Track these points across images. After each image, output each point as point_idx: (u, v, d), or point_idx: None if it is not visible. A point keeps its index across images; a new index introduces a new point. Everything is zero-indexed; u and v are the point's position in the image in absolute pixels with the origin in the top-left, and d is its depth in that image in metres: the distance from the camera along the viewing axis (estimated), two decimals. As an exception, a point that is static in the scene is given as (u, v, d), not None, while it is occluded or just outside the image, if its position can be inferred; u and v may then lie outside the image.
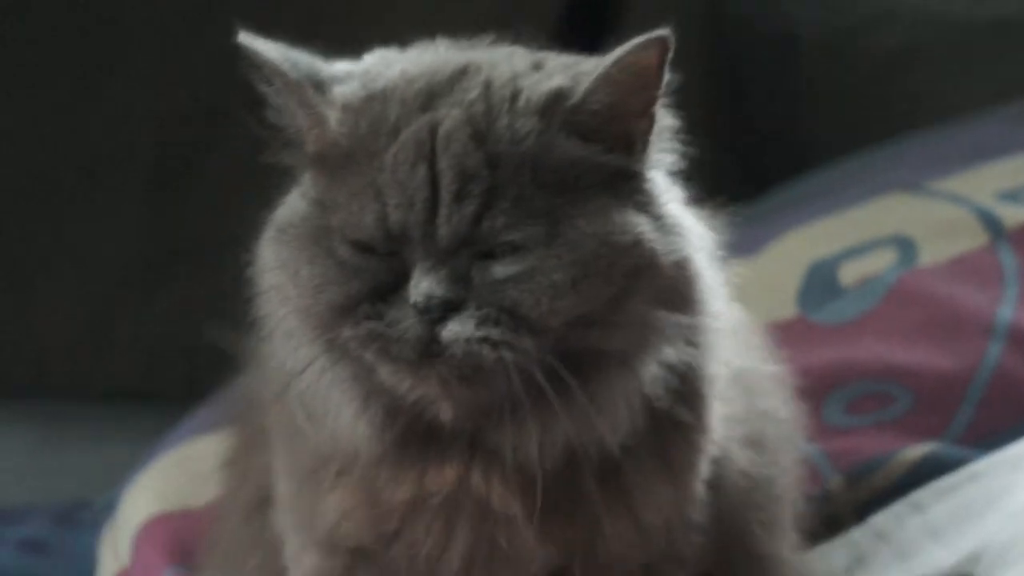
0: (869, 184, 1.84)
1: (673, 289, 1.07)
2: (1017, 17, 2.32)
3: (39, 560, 1.88)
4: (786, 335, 1.44)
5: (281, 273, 1.08)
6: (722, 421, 1.19)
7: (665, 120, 1.08)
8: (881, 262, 1.68)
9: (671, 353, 1.09)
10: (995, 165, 1.79)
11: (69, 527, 1.96)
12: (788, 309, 1.63)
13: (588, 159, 1.04)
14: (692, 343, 1.12)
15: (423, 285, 1.02)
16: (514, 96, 1.05)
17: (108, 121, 2.29)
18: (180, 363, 2.23)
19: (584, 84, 1.03)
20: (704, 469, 1.17)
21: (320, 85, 1.07)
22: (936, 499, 1.44)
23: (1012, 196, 1.72)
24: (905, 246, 1.69)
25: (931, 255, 1.67)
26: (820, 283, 1.68)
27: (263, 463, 1.22)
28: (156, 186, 2.24)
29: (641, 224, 1.06)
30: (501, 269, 1.03)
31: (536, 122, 1.04)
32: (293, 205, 1.09)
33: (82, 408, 2.26)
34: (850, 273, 1.68)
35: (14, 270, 2.31)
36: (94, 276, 2.23)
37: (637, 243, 1.05)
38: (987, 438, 1.50)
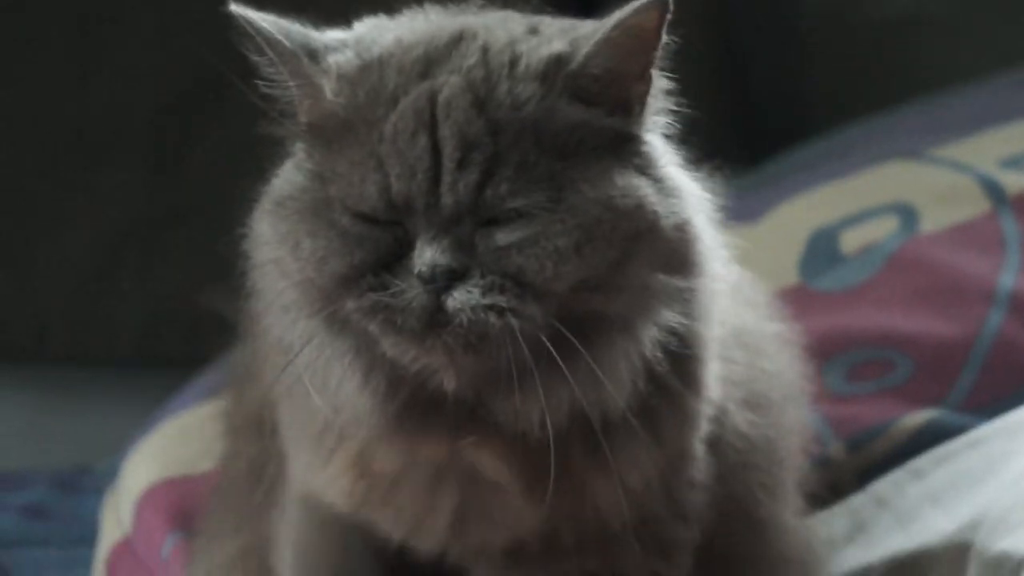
0: (871, 151, 1.84)
1: (673, 252, 1.06)
2: None
3: (40, 525, 1.89)
4: (787, 302, 1.44)
5: (280, 247, 1.07)
6: (721, 381, 1.19)
7: (660, 82, 1.07)
8: (882, 229, 1.68)
9: (670, 316, 1.09)
10: (998, 132, 1.80)
11: (70, 493, 1.96)
12: (789, 277, 1.63)
13: (589, 123, 1.04)
14: (688, 306, 1.11)
15: (427, 254, 1.02)
16: (513, 62, 1.05)
17: (108, 88, 2.29)
18: (181, 329, 2.22)
19: (584, 48, 1.03)
20: (701, 428, 1.17)
21: (314, 54, 1.07)
22: (936, 466, 1.44)
23: (1015, 163, 1.72)
24: (906, 213, 1.69)
25: (932, 222, 1.67)
26: (821, 251, 1.68)
27: (255, 437, 1.23)
28: (156, 152, 2.24)
29: (643, 187, 1.05)
30: (505, 236, 1.03)
31: (537, 87, 1.04)
32: (289, 177, 1.09)
33: (83, 374, 2.26)
34: (851, 241, 1.68)
35: (14, 236, 2.31)
36: (94, 242, 2.22)
37: (639, 206, 1.04)
38: (988, 405, 1.51)
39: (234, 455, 1.31)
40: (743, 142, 2.12)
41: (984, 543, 1.28)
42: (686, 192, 1.08)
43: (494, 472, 1.09)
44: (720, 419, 1.20)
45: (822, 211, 1.73)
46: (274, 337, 1.14)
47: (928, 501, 1.41)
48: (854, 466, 1.49)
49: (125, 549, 1.61)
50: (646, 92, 1.07)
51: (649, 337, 1.08)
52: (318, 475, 1.15)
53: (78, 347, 2.28)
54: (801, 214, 1.74)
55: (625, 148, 1.07)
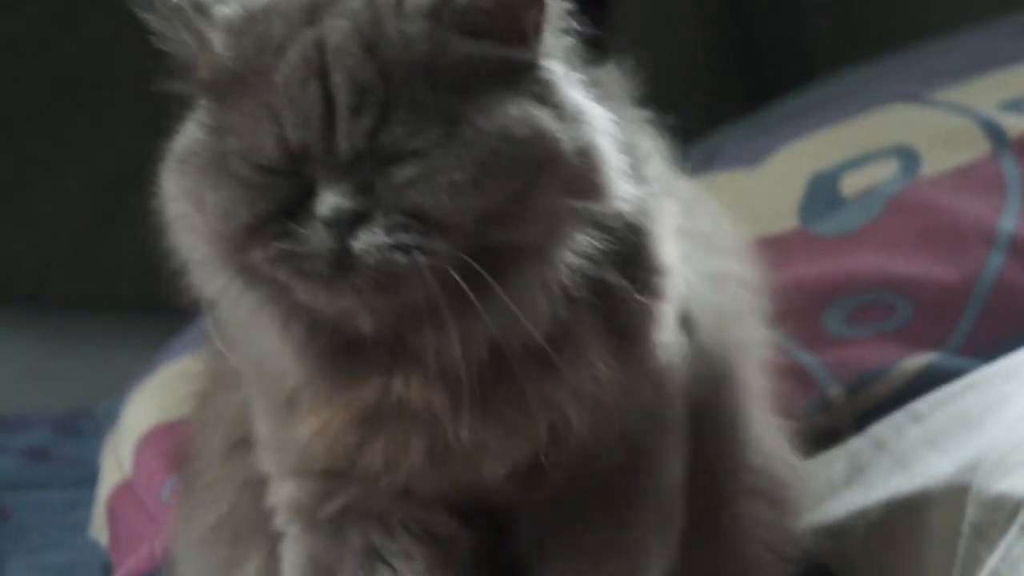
0: (871, 95, 1.84)
1: (579, 177, 1.07)
2: None
3: (41, 468, 1.91)
4: (787, 247, 1.45)
5: (186, 203, 1.08)
6: (684, 289, 1.19)
7: (557, 5, 1.07)
8: (883, 173, 1.68)
9: (586, 240, 1.08)
10: (999, 75, 1.79)
11: (71, 435, 1.98)
12: (789, 221, 1.64)
13: (481, 55, 1.04)
14: (622, 218, 1.11)
15: (329, 199, 1.02)
16: (399, 1, 1.05)
17: (104, 30, 2.26)
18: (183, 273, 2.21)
19: None
20: (666, 335, 1.16)
21: (200, 7, 1.07)
22: (935, 409, 1.44)
23: (1015, 106, 1.72)
24: (907, 157, 1.69)
25: (933, 165, 1.67)
26: (821, 194, 1.68)
27: (236, 401, 1.24)
28: (155, 95, 2.23)
29: (541, 115, 1.06)
30: (401, 173, 1.03)
31: (425, 25, 1.03)
32: (190, 134, 1.09)
33: (84, 318, 2.27)
34: (851, 184, 1.68)
35: (14, 181, 2.30)
36: (94, 186, 2.22)
37: (538, 135, 1.05)
38: (987, 348, 1.52)
39: (215, 424, 1.30)
40: (744, 88, 2.11)
41: (982, 485, 1.28)
42: (588, 115, 1.08)
43: (429, 406, 1.10)
44: (687, 329, 1.21)
45: (822, 155, 1.73)
46: (196, 292, 1.14)
47: (927, 444, 1.41)
48: (853, 409, 1.50)
49: (125, 491, 1.62)
50: (540, 17, 1.06)
51: (566, 263, 1.08)
52: (289, 433, 1.15)
53: (78, 291, 2.29)
54: (801, 158, 1.74)
55: (522, 77, 1.07)
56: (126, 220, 2.24)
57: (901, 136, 1.72)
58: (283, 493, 1.18)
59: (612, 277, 1.11)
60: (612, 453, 1.17)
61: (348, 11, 1.05)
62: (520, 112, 1.05)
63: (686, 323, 1.21)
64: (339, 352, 1.10)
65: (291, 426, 1.14)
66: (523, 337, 1.08)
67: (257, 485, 1.22)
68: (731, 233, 1.32)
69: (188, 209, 1.08)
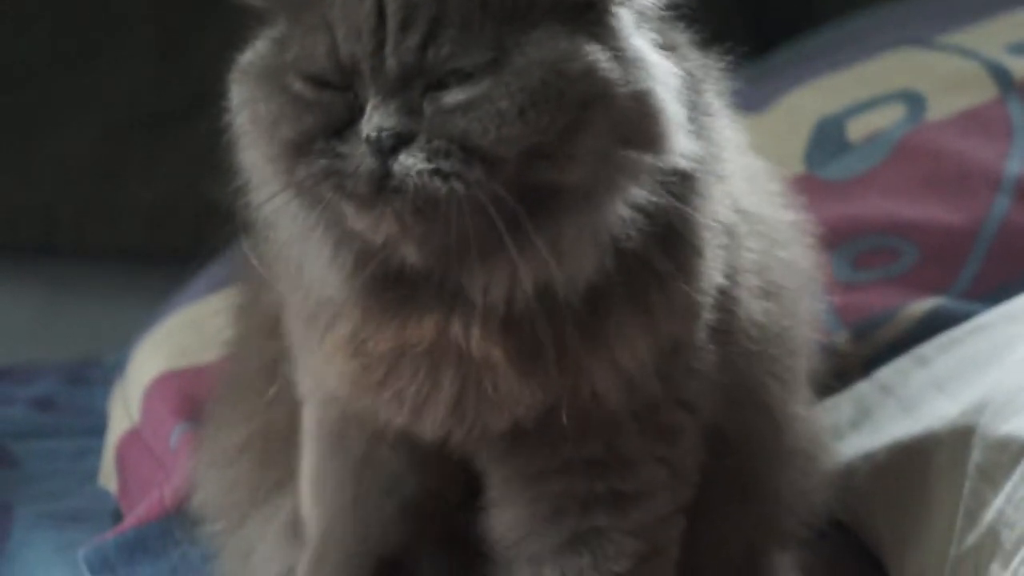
0: (878, 40, 1.84)
1: (631, 123, 1.06)
2: None
3: (50, 417, 1.91)
4: (793, 191, 1.45)
5: (244, 113, 1.09)
6: (734, 269, 1.18)
7: None
8: (889, 117, 1.69)
9: (641, 194, 1.08)
10: (1005, 17, 1.79)
11: (79, 385, 1.99)
12: (795, 165, 1.63)
13: None
14: (673, 188, 1.10)
15: (375, 119, 1.03)
16: None
17: None
18: (188, 221, 2.13)
19: None
20: (699, 316, 1.16)
21: None
22: (941, 352, 1.45)
23: (1022, 48, 1.72)
24: (913, 101, 1.69)
25: (939, 109, 1.68)
26: (828, 139, 1.69)
27: (270, 337, 1.24)
28: (162, 42, 2.22)
29: (595, 53, 1.04)
30: (450, 98, 1.03)
31: None
32: (258, 47, 1.10)
33: (91, 267, 2.27)
34: (858, 128, 1.68)
35: (19, 128, 2.28)
36: (102, 134, 2.21)
37: (588, 71, 1.04)
38: (993, 292, 1.53)
39: (248, 352, 1.32)
40: (750, 31, 2.11)
41: (988, 426, 1.29)
42: (649, 64, 1.07)
43: (481, 350, 1.10)
44: (730, 307, 1.19)
45: (828, 99, 1.73)
46: (257, 206, 1.14)
47: (933, 387, 1.42)
48: (860, 354, 1.51)
49: (134, 439, 1.63)
50: None
51: (617, 214, 1.07)
52: (315, 360, 1.16)
53: (86, 240, 2.28)
54: (807, 103, 1.74)
55: (584, 16, 1.05)
56: (133, 169, 2.27)
57: (907, 80, 1.72)
58: (310, 414, 1.20)
59: (658, 260, 1.10)
60: (622, 410, 1.16)
61: None
62: (572, 47, 1.04)
63: (724, 335, 1.19)
64: (387, 286, 1.09)
65: (324, 352, 1.14)
66: (565, 285, 1.08)
67: (288, 404, 1.23)
68: (785, 213, 1.30)
69: (245, 120, 1.09)
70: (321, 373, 1.16)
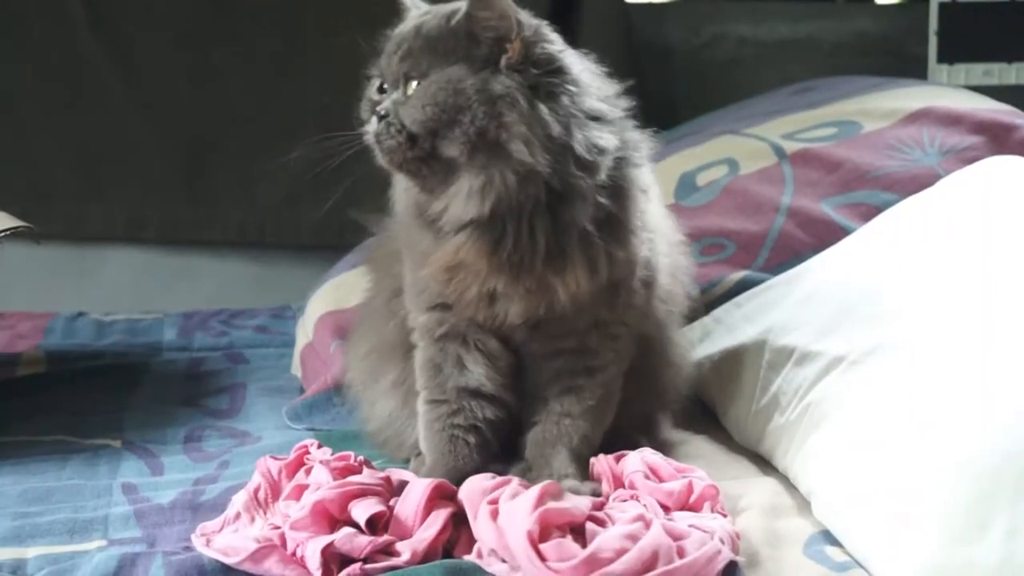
0: (712, 130, 1.83)
1: (489, 116, 1.03)
2: (793, 38, 2.32)
3: (265, 336, 1.90)
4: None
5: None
6: (653, 256, 1.18)
7: (532, 50, 1.05)
8: (719, 172, 1.68)
9: (591, 197, 1.05)
10: (781, 119, 1.78)
11: (280, 319, 1.97)
12: (669, 199, 1.63)
13: (459, 46, 1.05)
14: (611, 195, 1.07)
15: (384, 104, 1.07)
16: (444, 13, 1.09)
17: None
18: (338, 231, 2.02)
19: (464, 9, 1.06)
20: (634, 269, 1.13)
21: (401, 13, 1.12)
22: (748, 300, 1.46)
23: (790, 136, 1.72)
24: (732, 164, 1.70)
25: (746, 168, 1.67)
26: (686, 185, 1.68)
27: (395, 271, 1.22)
28: None
29: (467, 80, 1.03)
30: (400, 98, 1.06)
31: (441, 22, 1.07)
32: (368, 85, 1.12)
33: (288, 253, 2.20)
34: (703, 178, 1.69)
35: (235, 149, 2.10)
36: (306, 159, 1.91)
37: (461, 89, 1.03)
38: (775, 268, 1.53)
39: (374, 296, 1.30)
40: (642, 124, 2.09)
41: (774, 340, 1.33)
42: (503, 91, 1.03)
43: (476, 264, 1.08)
44: (654, 276, 1.19)
45: (686, 162, 1.72)
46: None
47: (743, 319, 1.43)
48: (704, 302, 1.50)
49: (310, 349, 1.63)
50: (500, 45, 1.03)
51: (495, 182, 1.03)
52: (417, 287, 1.14)
53: (284, 238, 2.19)
54: (675, 164, 1.72)
55: (486, 65, 1.04)
56: (311, 200, 2.08)
57: (729, 152, 1.72)
58: (417, 320, 1.18)
59: (595, 231, 1.08)
60: (586, 322, 1.14)
61: (419, 15, 1.09)
62: (459, 77, 1.03)
63: (654, 269, 1.19)
64: (427, 223, 1.09)
65: (418, 273, 1.13)
66: (454, 219, 1.05)
67: (400, 321, 1.20)
68: (674, 230, 1.29)
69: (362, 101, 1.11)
70: (421, 288, 1.14)
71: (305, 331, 1.67)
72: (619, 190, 1.11)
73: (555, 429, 1.15)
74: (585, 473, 1.16)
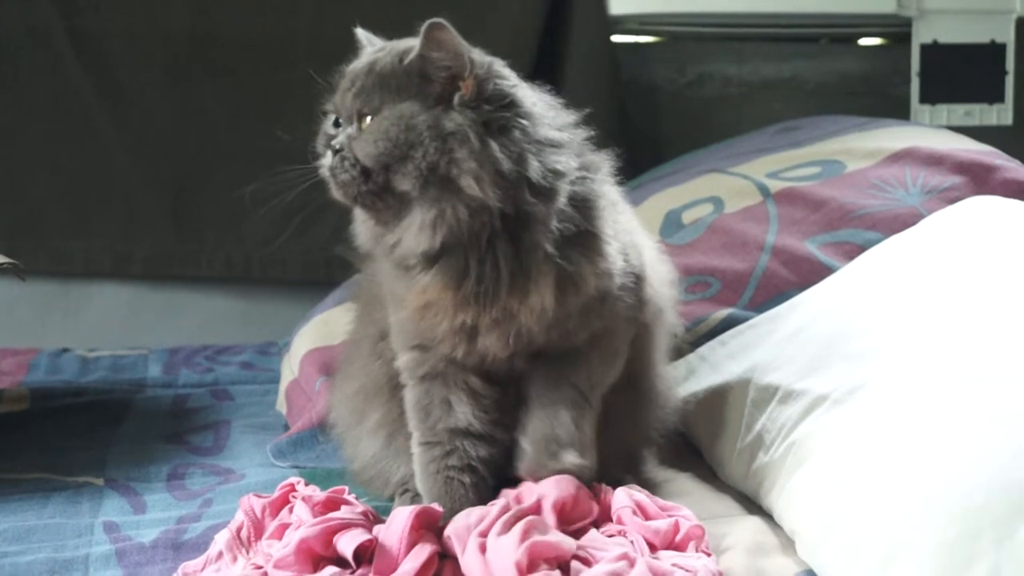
0: (697, 168, 1.83)
1: (441, 152, 1.03)
2: (778, 78, 2.33)
3: (250, 373, 1.91)
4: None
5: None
6: (640, 268, 1.16)
7: (483, 88, 1.05)
8: (704, 211, 1.69)
9: (561, 213, 1.05)
10: (765, 158, 1.78)
11: (266, 356, 1.98)
12: (655, 236, 1.56)
13: (410, 83, 1.05)
14: (580, 211, 1.06)
15: (338, 138, 1.08)
16: (396, 51, 1.08)
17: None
18: (325, 267, 2.08)
19: (416, 49, 1.06)
20: (613, 278, 1.11)
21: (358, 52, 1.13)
22: (733, 337, 1.47)
23: (774, 175, 1.72)
24: (717, 202, 1.70)
25: (731, 207, 1.67)
26: (672, 222, 1.69)
27: (378, 316, 1.22)
28: None
29: (419, 116, 1.03)
30: (354, 133, 1.06)
31: (394, 59, 1.07)
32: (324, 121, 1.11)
33: (274, 289, 2.20)
34: (688, 216, 1.69)
35: (221, 184, 2.05)
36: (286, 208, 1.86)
37: (412, 126, 1.03)
38: (760, 306, 1.54)
39: (359, 336, 1.30)
40: (628, 166, 2.10)
41: (758, 379, 1.33)
42: (454, 128, 1.03)
43: (440, 299, 1.07)
44: (643, 288, 1.17)
45: (672, 201, 1.73)
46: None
47: (728, 357, 1.44)
48: (689, 339, 1.51)
49: (295, 386, 1.64)
50: (453, 83, 1.03)
51: (443, 209, 1.03)
52: (399, 329, 1.14)
53: (270, 274, 2.18)
54: (661, 203, 1.73)
55: (436, 102, 1.05)
56: (296, 243, 2.03)
57: (713, 191, 1.72)
58: (401, 361, 1.17)
59: (565, 249, 1.07)
60: (561, 341, 1.12)
61: (373, 52, 1.09)
62: (408, 113, 1.04)
63: (642, 281, 1.17)
64: (397, 263, 1.09)
65: (399, 315, 1.13)
66: (408, 251, 1.04)
67: (386, 362, 1.20)
68: (663, 264, 1.29)
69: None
70: (403, 329, 1.14)
71: (291, 367, 1.67)
72: (586, 203, 1.10)
73: (555, 392, 1.13)
74: (584, 438, 1.13)
